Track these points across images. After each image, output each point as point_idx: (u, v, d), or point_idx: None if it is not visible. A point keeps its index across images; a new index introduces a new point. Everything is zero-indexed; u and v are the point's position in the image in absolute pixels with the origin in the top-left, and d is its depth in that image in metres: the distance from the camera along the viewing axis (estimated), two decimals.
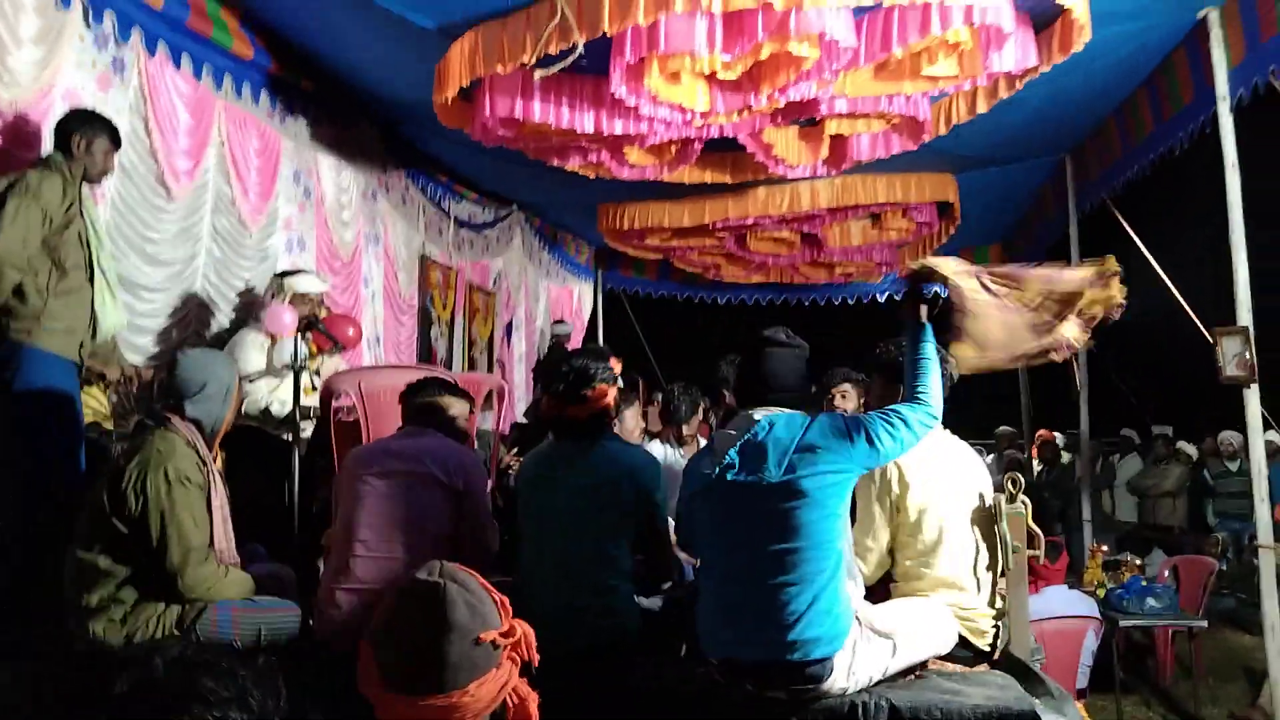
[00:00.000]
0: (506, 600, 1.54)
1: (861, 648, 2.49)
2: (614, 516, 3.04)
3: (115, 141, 3.82)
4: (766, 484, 2.50)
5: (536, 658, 1.52)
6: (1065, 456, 10.63)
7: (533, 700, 1.51)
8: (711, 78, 4.82)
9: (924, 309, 2.75)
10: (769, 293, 10.69)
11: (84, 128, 3.69)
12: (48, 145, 3.88)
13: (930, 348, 2.69)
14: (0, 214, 3.33)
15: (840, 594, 2.48)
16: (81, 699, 1.07)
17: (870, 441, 2.52)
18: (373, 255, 6.89)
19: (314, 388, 4.61)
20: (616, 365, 3.24)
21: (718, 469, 2.59)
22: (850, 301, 10.69)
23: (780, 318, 8.46)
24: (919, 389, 2.62)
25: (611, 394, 3.15)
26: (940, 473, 2.93)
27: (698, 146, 6.15)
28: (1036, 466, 10.62)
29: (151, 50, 4.70)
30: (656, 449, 4.95)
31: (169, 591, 2.95)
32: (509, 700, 1.48)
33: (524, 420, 7.74)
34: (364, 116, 6.55)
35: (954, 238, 8.58)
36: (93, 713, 1.05)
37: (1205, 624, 6.36)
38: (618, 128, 5.11)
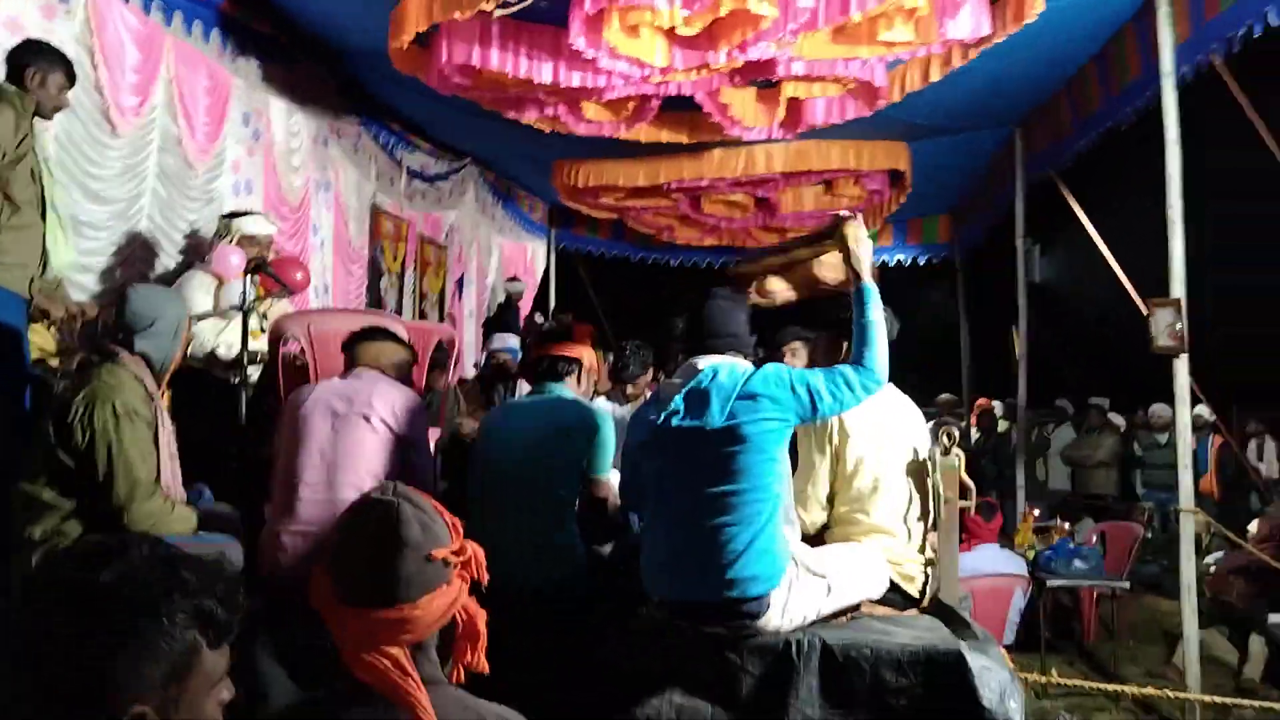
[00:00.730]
0: (458, 521, 1.58)
1: (797, 587, 2.58)
2: (563, 464, 3.13)
3: (70, 78, 3.71)
4: (709, 429, 2.57)
5: (485, 577, 1.57)
6: (1003, 425, 10.91)
7: (481, 617, 1.56)
8: (671, 33, 4.83)
9: (867, 268, 2.81)
10: (721, 255, 10.74)
11: (39, 60, 3.59)
12: None
13: (877, 311, 2.73)
14: None
15: (778, 535, 2.57)
16: (65, 589, 1.11)
17: (810, 397, 2.60)
18: (322, 202, 6.81)
19: (261, 331, 4.57)
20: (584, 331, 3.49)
21: (663, 415, 2.67)
22: None
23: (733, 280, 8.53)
24: (865, 354, 2.68)
25: (590, 355, 3.40)
26: (880, 423, 3.02)
27: (655, 104, 6.16)
28: (975, 434, 10.89)
29: None
30: (603, 404, 5.02)
31: (114, 525, 2.94)
32: (459, 616, 1.53)
33: (473, 375, 7.74)
34: (317, 60, 6.45)
35: (904, 206, 8.71)
36: (78, 601, 1.09)
37: (1128, 585, 6.63)
38: (575, 80, 5.10)
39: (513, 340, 7.14)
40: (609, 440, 3.27)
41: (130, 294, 3.21)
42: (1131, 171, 7.73)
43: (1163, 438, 10.13)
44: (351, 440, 3.06)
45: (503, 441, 3.18)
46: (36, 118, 3.63)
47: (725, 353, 2.77)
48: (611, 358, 6.13)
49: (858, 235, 2.83)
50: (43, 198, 3.60)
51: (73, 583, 1.11)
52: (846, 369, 2.66)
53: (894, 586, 2.99)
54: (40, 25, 4.24)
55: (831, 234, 2.93)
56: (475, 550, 1.56)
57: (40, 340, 4.03)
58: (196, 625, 1.14)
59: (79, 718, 1.07)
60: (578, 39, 4.56)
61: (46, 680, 1.07)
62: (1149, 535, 8.82)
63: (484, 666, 1.57)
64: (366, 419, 3.12)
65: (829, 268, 3.03)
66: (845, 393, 2.63)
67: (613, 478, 3.35)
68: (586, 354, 3.52)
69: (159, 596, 1.11)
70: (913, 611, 3.01)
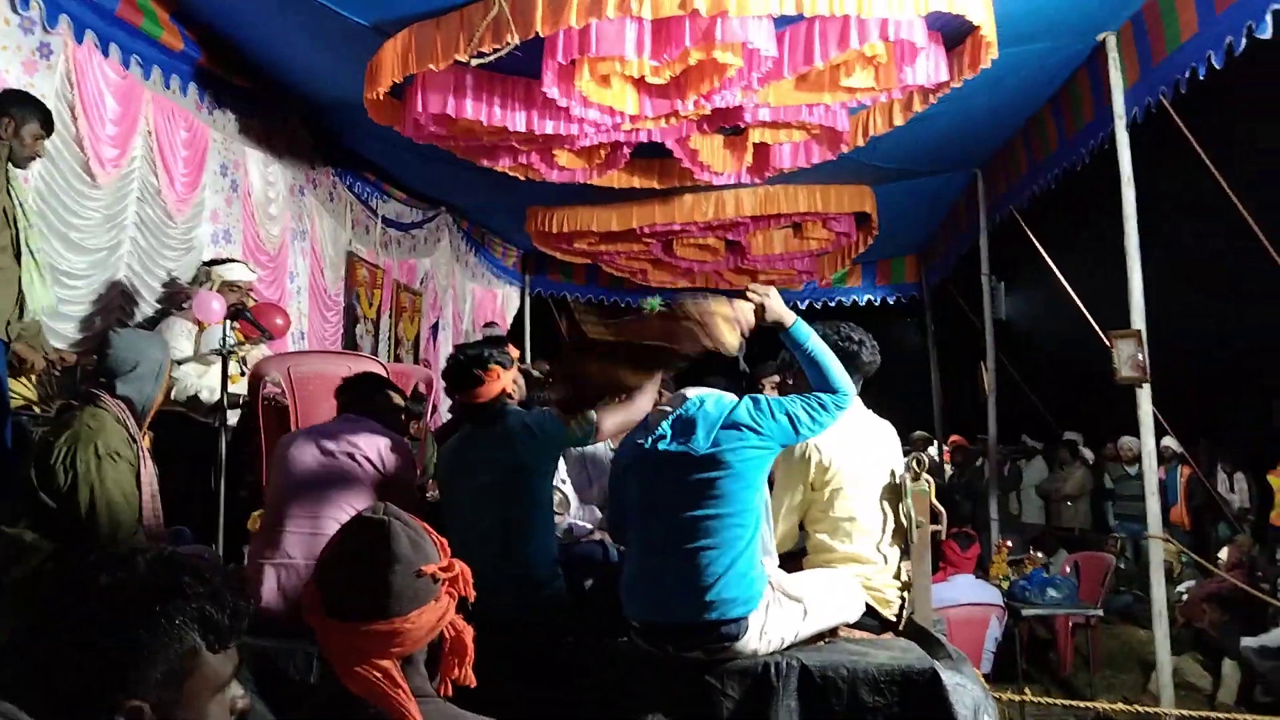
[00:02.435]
0: (445, 541, 1.64)
1: (774, 610, 2.64)
2: (533, 485, 3.15)
3: (47, 126, 3.79)
4: (695, 455, 2.68)
5: (473, 594, 1.63)
6: (978, 461, 11.05)
7: (468, 633, 1.62)
8: (640, 82, 4.98)
9: (781, 311, 2.89)
10: (695, 298, 10.85)
11: (14, 109, 3.67)
12: None
13: (815, 340, 2.87)
14: None
15: (756, 559, 2.64)
16: (70, 590, 1.16)
17: (791, 422, 2.74)
18: (299, 250, 6.88)
19: (242, 375, 4.61)
20: (513, 351, 3.38)
21: (650, 439, 2.76)
22: (801, 306, 10.90)
23: None
24: (829, 380, 2.82)
25: (508, 376, 3.26)
26: (857, 451, 3.11)
27: (626, 151, 6.30)
28: (949, 470, 11.01)
29: (79, 37, 4.67)
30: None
31: None
32: (446, 632, 1.59)
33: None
34: (292, 112, 6.56)
35: (872, 248, 8.89)
36: (79, 604, 1.14)
37: (1101, 613, 6.72)
38: (548, 128, 5.23)
39: None
40: (554, 421, 3.22)
41: (112, 338, 3.26)
42: (1090, 209, 7.95)
43: (1133, 469, 10.26)
44: (338, 478, 3.10)
45: (465, 472, 3.20)
46: (13, 166, 3.69)
47: (713, 386, 2.90)
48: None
49: (746, 318, 2.85)
50: (17, 242, 3.63)
51: (76, 584, 1.16)
52: (821, 394, 2.81)
53: (870, 610, 3.06)
54: (21, 80, 4.31)
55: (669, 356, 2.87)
56: (462, 568, 1.62)
57: (19, 388, 4.05)
58: (197, 628, 1.19)
59: (79, 714, 1.12)
60: (551, 88, 4.69)
61: (49, 677, 1.11)
62: (1121, 565, 8.94)
63: (471, 680, 1.62)
64: (352, 458, 3.16)
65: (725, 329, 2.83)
66: (822, 414, 2.79)
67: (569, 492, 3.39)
68: (504, 377, 3.28)
69: (158, 599, 1.16)
70: (888, 635, 3.07)
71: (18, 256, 3.61)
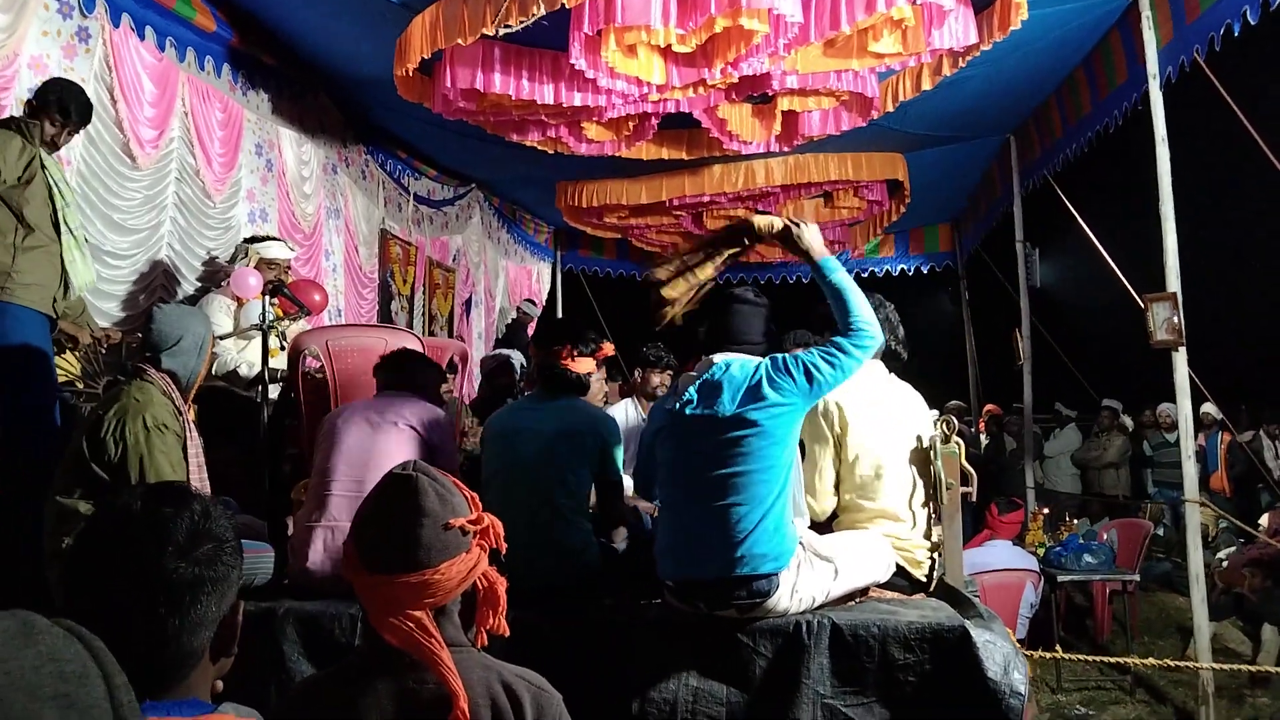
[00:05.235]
0: (476, 496, 1.69)
1: (805, 570, 2.68)
2: (576, 463, 3.23)
3: (65, 114, 3.82)
4: (721, 416, 2.70)
5: (504, 546, 1.68)
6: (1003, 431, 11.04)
7: (501, 584, 1.67)
8: (667, 51, 4.99)
9: (816, 245, 2.94)
10: (726, 270, 10.85)
11: (56, 105, 3.75)
12: (14, 112, 3.96)
13: (841, 274, 2.87)
14: None
15: (786, 515, 2.68)
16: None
17: (808, 373, 2.72)
18: (333, 228, 6.98)
19: (281, 349, 4.71)
20: (609, 349, 3.63)
21: (678, 404, 2.81)
22: (805, 280, 10.88)
23: None
24: (848, 318, 2.79)
25: (599, 372, 3.54)
26: (879, 413, 3.13)
27: (654, 122, 6.31)
28: (984, 440, 10.95)
29: (116, 21, 4.76)
30: (619, 410, 5.20)
31: None
32: (479, 583, 1.64)
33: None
34: (324, 91, 6.63)
35: (905, 217, 8.83)
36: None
37: (1138, 578, 6.67)
38: (576, 99, 5.25)
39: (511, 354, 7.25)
40: (619, 445, 3.37)
41: (156, 313, 3.34)
42: (1123, 171, 7.84)
43: (1172, 436, 10.15)
44: (382, 443, 3.18)
45: (511, 440, 3.27)
46: (46, 151, 3.78)
47: (740, 351, 2.91)
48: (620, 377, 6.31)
49: (776, 224, 3.00)
50: (56, 219, 3.73)
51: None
52: (837, 338, 2.78)
53: (901, 571, 3.09)
54: (61, 64, 4.41)
55: (736, 238, 3.09)
56: (493, 521, 1.67)
57: (64, 364, 4.17)
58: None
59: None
60: (578, 59, 4.71)
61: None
62: (1160, 533, 8.87)
63: (505, 630, 1.67)
64: (396, 424, 3.25)
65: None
66: (842, 358, 2.74)
67: (626, 482, 3.46)
68: (598, 369, 3.63)
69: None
70: (919, 596, 3.10)
71: (59, 235, 3.71)
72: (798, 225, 2.96)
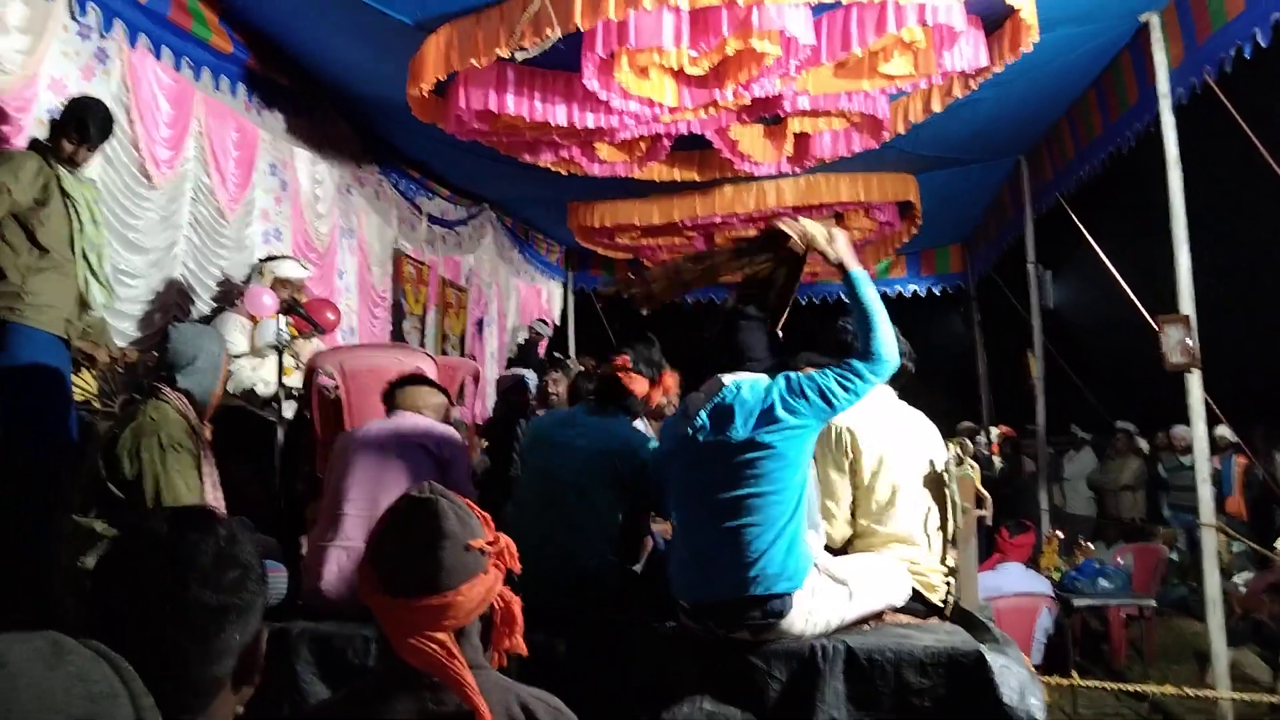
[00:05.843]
0: (489, 517, 1.69)
1: (820, 592, 2.67)
2: (606, 481, 3.22)
3: (82, 134, 3.82)
4: (734, 441, 2.70)
5: (519, 566, 1.68)
6: (1019, 452, 10.96)
7: (516, 604, 1.66)
8: (679, 73, 5.01)
9: (848, 254, 2.92)
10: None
11: (74, 123, 3.78)
12: (34, 132, 4.00)
13: (870, 292, 2.82)
14: None
15: (800, 536, 2.66)
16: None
17: (824, 397, 2.70)
18: (347, 248, 7.02)
19: (296, 368, 4.73)
20: (670, 383, 3.74)
21: (690, 430, 2.79)
22: (815, 301, 10.89)
23: None
24: (869, 341, 2.75)
25: (656, 394, 3.57)
26: (892, 437, 3.12)
27: (666, 143, 6.34)
28: (998, 462, 10.88)
29: (133, 42, 4.81)
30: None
31: None
32: (495, 603, 1.64)
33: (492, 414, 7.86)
34: (338, 112, 6.68)
35: (917, 238, 8.83)
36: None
37: (1154, 603, 6.61)
38: (589, 121, 5.28)
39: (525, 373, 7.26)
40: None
41: (171, 333, 3.36)
42: (1135, 193, 7.82)
43: (1187, 459, 10.02)
44: (395, 464, 3.19)
45: (547, 452, 3.28)
46: (65, 169, 3.81)
47: (749, 370, 2.89)
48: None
49: (811, 232, 2.99)
50: (72, 241, 3.75)
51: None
52: (854, 360, 2.74)
53: (916, 595, 3.07)
54: (80, 85, 4.45)
55: (769, 246, 3.09)
56: (507, 542, 1.67)
57: (81, 383, 4.19)
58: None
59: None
60: (591, 81, 4.74)
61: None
62: (1175, 558, 8.79)
63: (523, 649, 1.67)
64: (409, 446, 3.26)
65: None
66: (857, 382, 2.71)
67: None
68: (654, 392, 3.61)
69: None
70: (934, 620, 3.08)
71: (73, 256, 3.73)
72: (835, 236, 2.94)
